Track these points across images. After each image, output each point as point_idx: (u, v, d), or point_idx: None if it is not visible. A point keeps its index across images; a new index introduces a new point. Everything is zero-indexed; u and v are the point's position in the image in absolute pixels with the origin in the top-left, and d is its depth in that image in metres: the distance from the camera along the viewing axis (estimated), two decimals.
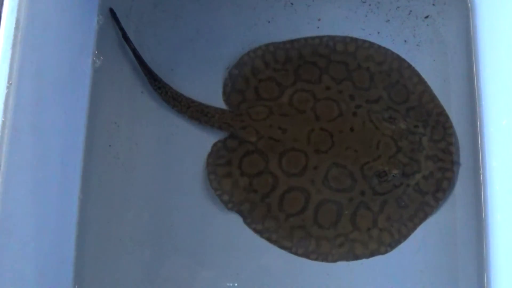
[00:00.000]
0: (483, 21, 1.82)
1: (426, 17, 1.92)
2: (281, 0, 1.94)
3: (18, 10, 1.40)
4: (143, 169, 1.80)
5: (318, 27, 1.91)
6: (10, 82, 1.36)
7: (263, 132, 1.76)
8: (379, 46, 1.87)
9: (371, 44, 1.87)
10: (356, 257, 1.72)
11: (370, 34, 1.89)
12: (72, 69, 1.74)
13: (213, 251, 1.74)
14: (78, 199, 1.76)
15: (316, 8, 1.93)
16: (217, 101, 1.84)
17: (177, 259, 1.74)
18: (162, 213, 1.77)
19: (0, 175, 1.32)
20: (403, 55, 1.86)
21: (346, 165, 1.71)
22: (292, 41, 1.88)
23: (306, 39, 1.88)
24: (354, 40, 1.88)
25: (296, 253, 1.72)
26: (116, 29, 1.87)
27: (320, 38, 1.88)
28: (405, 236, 1.72)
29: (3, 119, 1.34)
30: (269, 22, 1.93)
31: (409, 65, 1.85)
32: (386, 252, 1.71)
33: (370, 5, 1.93)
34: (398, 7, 1.93)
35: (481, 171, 1.75)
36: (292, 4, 1.94)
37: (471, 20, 1.89)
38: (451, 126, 1.78)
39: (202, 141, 1.80)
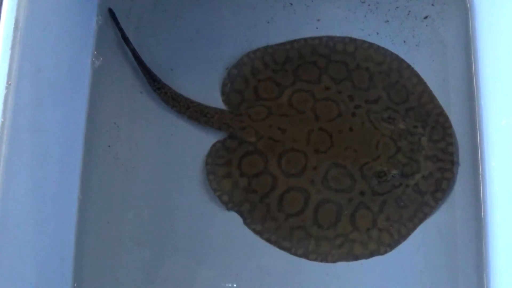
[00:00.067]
0: (482, 22, 1.82)
1: (425, 17, 1.92)
2: (280, 0, 1.94)
3: (17, 10, 1.40)
4: (143, 169, 1.80)
5: (317, 28, 1.91)
6: (9, 82, 1.36)
7: (262, 132, 1.76)
8: (378, 47, 1.87)
9: (371, 45, 1.87)
10: (356, 258, 1.71)
11: (369, 35, 1.89)
12: (72, 69, 1.74)
13: (213, 251, 1.74)
14: (77, 199, 1.76)
15: (315, 9, 1.93)
16: (217, 101, 1.84)
17: (176, 259, 1.74)
18: (161, 213, 1.77)
19: (0, 175, 1.32)
20: (402, 56, 1.86)
21: (345, 165, 1.71)
22: (291, 42, 1.88)
23: (305, 39, 1.88)
24: (353, 40, 1.88)
25: (295, 254, 1.72)
26: (116, 30, 1.87)
27: (320, 38, 1.88)
28: (404, 236, 1.72)
29: (2, 119, 1.34)
30: (268, 22, 1.93)
31: (408, 66, 1.85)
32: (385, 252, 1.71)
33: (369, 5, 1.93)
34: (397, 7, 1.93)
35: (480, 171, 1.75)
36: (291, 4, 1.94)
37: (470, 21, 1.89)
38: (450, 126, 1.78)
39: (201, 141, 1.80)
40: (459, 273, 1.71)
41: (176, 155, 1.81)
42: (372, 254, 1.71)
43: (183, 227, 1.76)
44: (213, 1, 1.95)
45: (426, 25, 1.91)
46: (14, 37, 1.38)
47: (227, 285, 1.72)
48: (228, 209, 1.74)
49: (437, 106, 1.81)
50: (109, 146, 1.82)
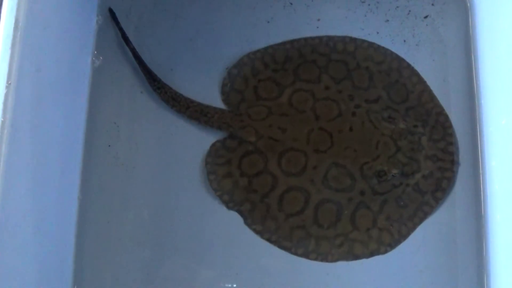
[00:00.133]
0: (482, 21, 1.82)
1: (426, 17, 1.92)
2: (280, 0, 1.94)
3: (17, 10, 1.40)
4: (143, 169, 1.80)
5: (317, 27, 1.91)
6: (9, 82, 1.36)
7: (262, 132, 1.76)
8: (379, 46, 1.87)
9: (371, 44, 1.87)
10: (356, 257, 1.71)
11: (369, 34, 1.89)
12: (72, 69, 1.74)
13: (213, 251, 1.74)
14: (77, 199, 1.76)
15: (315, 8, 1.93)
16: (217, 101, 1.84)
17: (177, 258, 1.74)
18: (161, 213, 1.77)
19: (0, 175, 1.32)
20: (402, 55, 1.86)
21: (345, 165, 1.71)
22: (291, 41, 1.88)
23: (305, 39, 1.88)
24: (353, 40, 1.88)
25: (296, 253, 1.72)
26: (116, 29, 1.87)
27: (320, 38, 1.88)
28: (404, 236, 1.72)
29: (2, 119, 1.34)
30: (268, 22, 1.93)
31: (409, 65, 1.85)
32: (386, 252, 1.71)
33: (369, 5, 1.93)
34: (397, 7, 1.93)
35: (480, 171, 1.75)
36: (291, 4, 1.94)
37: (470, 20, 1.89)
38: (450, 126, 1.78)
39: (201, 141, 1.80)
40: (459, 272, 1.71)
41: (176, 154, 1.81)
42: (372, 254, 1.71)
43: (183, 226, 1.76)
44: (213, 0, 1.95)
45: (426, 25, 1.91)
46: (14, 37, 1.38)
47: (227, 285, 1.72)
48: (229, 208, 1.74)
49: (437, 105, 1.81)
50: (109, 145, 1.82)
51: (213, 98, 1.84)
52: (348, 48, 1.87)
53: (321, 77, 1.83)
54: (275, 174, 1.74)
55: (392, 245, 1.71)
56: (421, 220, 1.72)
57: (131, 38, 1.84)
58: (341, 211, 1.72)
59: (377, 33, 1.90)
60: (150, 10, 1.94)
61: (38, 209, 1.52)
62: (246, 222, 1.74)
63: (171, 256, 1.75)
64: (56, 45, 1.61)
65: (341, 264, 1.71)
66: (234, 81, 1.85)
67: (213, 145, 1.79)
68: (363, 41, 1.87)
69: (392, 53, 1.86)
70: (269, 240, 1.73)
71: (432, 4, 1.93)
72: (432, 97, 1.82)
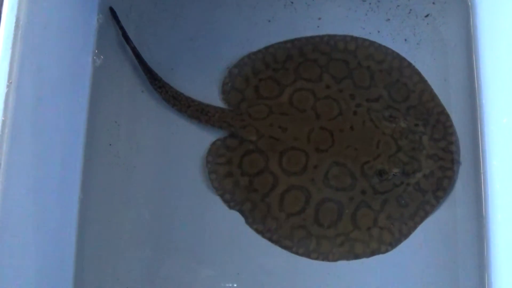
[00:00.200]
0: (483, 20, 1.82)
1: (426, 15, 1.92)
2: None
3: (18, 9, 1.40)
4: (143, 168, 1.80)
5: (318, 26, 1.91)
6: (10, 81, 1.36)
7: (263, 131, 1.76)
8: (379, 45, 1.87)
9: (371, 43, 1.87)
10: (357, 256, 1.71)
11: (370, 33, 1.89)
12: (72, 68, 1.74)
13: (214, 250, 1.74)
14: (78, 198, 1.75)
15: (316, 7, 1.93)
16: (217, 100, 1.84)
17: (177, 258, 1.74)
18: (162, 212, 1.77)
19: (0, 174, 1.32)
20: (403, 54, 1.86)
21: (346, 164, 1.71)
22: (292, 40, 1.88)
23: (307, 38, 1.88)
24: (354, 39, 1.87)
25: (296, 253, 1.72)
26: (116, 28, 1.87)
27: (321, 37, 1.88)
28: (405, 235, 1.72)
29: (3, 118, 1.34)
30: (269, 21, 1.93)
31: (409, 64, 1.85)
32: (386, 251, 1.71)
33: (370, 4, 1.93)
34: (398, 5, 1.93)
35: (481, 170, 1.75)
36: (292, 3, 1.94)
37: (471, 19, 1.89)
38: (451, 125, 1.78)
39: (202, 140, 1.80)
40: (460, 272, 1.71)
41: (177, 153, 1.81)
42: (373, 253, 1.71)
43: (183, 226, 1.76)
44: (214, 0, 1.94)
45: (427, 24, 1.91)
46: (15, 36, 1.38)
47: (228, 284, 1.72)
48: (230, 208, 1.74)
49: (438, 104, 1.80)
50: (110, 144, 1.82)
51: (214, 97, 1.84)
52: (349, 47, 1.86)
53: (322, 76, 1.83)
54: (276, 173, 1.74)
55: (393, 244, 1.71)
56: (422, 220, 1.72)
57: (131, 37, 1.84)
58: (342, 210, 1.72)
59: (378, 32, 1.90)
60: (150, 9, 1.93)
61: (39, 209, 1.52)
62: (247, 222, 1.74)
63: (171, 255, 1.75)
64: (56, 44, 1.61)
65: (342, 263, 1.71)
66: (235, 80, 1.85)
67: (214, 143, 1.79)
68: (364, 40, 1.87)
69: (393, 52, 1.86)
70: (270, 239, 1.73)
71: (433, 3, 1.93)
72: (433, 96, 1.82)
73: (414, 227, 1.72)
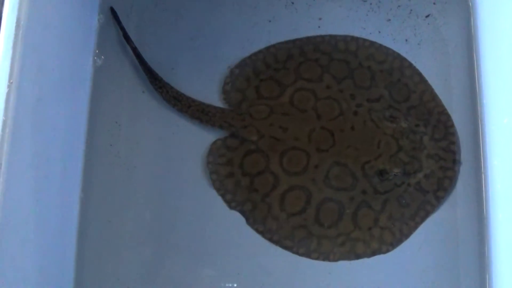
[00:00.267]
0: (484, 20, 1.82)
1: (427, 16, 1.92)
2: None
3: (19, 9, 1.40)
4: (144, 168, 1.80)
5: (319, 26, 1.91)
6: (11, 81, 1.36)
7: (264, 131, 1.76)
8: (380, 45, 1.87)
9: (372, 43, 1.87)
10: (358, 256, 1.71)
11: (371, 33, 1.89)
12: (73, 68, 1.74)
13: (214, 250, 1.74)
14: (79, 198, 1.76)
15: (317, 8, 1.93)
16: (218, 100, 1.84)
17: (178, 258, 1.74)
18: (163, 212, 1.77)
19: (1, 174, 1.32)
20: (404, 54, 1.86)
21: (347, 164, 1.71)
22: (293, 40, 1.88)
23: (307, 37, 1.88)
24: (355, 39, 1.88)
25: (297, 253, 1.72)
26: (117, 28, 1.87)
27: (322, 36, 1.88)
28: (406, 235, 1.72)
29: (4, 118, 1.34)
30: (270, 21, 1.93)
31: (410, 64, 1.85)
32: (387, 251, 1.71)
33: (371, 4, 1.93)
34: (399, 6, 1.93)
35: (482, 170, 1.75)
36: (293, 3, 1.94)
37: (472, 19, 1.89)
38: (452, 125, 1.78)
39: (203, 140, 1.80)
40: (461, 272, 1.71)
41: (178, 154, 1.81)
42: (374, 253, 1.71)
43: (184, 226, 1.76)
44: (214, 0, 1.95)
45: (428, 24, 1.91)
46: (16, 36, 1.38)
47: (228, 284, 1.72)
48: (231, 208, 1.74)
49: (439, 104, 1.80)
50: (110, 145, 1.82)
51: (215, 97, 1.84)
52: (350, 47, 1.86)
53: (323, 76, 1.83)
54: (277, 173, 1.74)
55: (393, 244, 1.71)
56: (423, 219, 1.72)
57: (132, 37, 1.84)
58: (343, 210, 1.72)
59: (379, 32, 1.90)
60: (151, 9, 1.94)
61: (40, 208, 1.52)
62: (248, 222, 1.74)
63: (172, 255, 1.75)
64: (57, 44, 1.61)
65: (343, 263, 1.71)
66: (236, 80, 1.85)
67: (214, 143, 1.79)
68: (365, 40, 1.87)
69: (393, 52, 1.86)
70: (270, 239, 1.73)
71: (434, 3, 1.93)
72: (434, 96, 1.82)
73: (415, 227, 1.72)
